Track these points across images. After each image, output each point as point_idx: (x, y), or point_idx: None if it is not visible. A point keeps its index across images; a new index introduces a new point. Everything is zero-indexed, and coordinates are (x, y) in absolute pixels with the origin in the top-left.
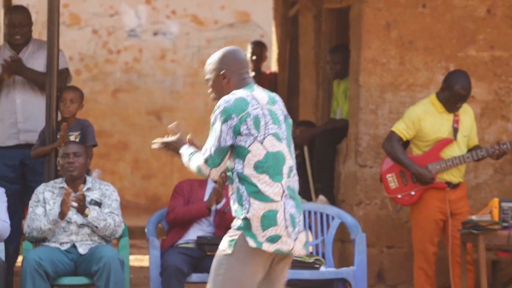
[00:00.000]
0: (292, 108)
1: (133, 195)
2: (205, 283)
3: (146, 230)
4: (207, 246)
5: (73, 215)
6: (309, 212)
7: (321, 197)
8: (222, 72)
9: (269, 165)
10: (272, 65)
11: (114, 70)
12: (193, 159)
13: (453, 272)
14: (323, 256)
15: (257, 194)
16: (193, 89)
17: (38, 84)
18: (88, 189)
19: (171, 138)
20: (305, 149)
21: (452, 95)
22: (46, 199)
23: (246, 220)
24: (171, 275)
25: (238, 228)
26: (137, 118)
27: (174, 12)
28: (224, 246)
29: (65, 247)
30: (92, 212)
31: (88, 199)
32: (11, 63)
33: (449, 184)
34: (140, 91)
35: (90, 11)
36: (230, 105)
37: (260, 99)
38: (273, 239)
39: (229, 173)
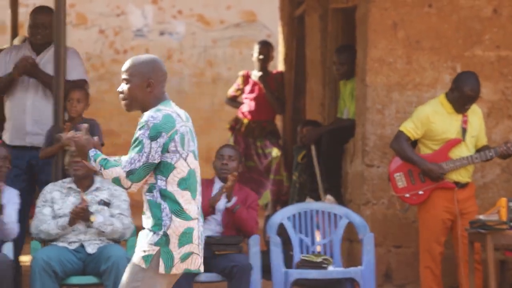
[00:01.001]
0: (298, 108)
1: (140, 195)
2: (214, 282)
3: None
4: (215, 245)
5: None
6: (317, 212)
7: (329, 196)
8: (149, 79)
9: (191, 182)
10: (278, 64)
11: (120, 69)
12: (110, 168)
13: (462, 272)
14: (331, 256)
15: (180, 212)
16: (200, 89)
17: (51, 88)
18: (97, 188)
19: (81, 136)
20: (313, 148)
21: (461, 96)
22: (54, 198)
23: (165, 236)
24: (181, 275)
25: (156, 244)
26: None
27: (181, 12)
28: (139, 259)
29: (73, 246)
30: (98, 218)
31: (97, 198)
32: (26, 63)
33: (457, 184)
34: None
35: (97, 11)
36: (159, 122)
37: (181, 116)
38: (186, 257)
39: (147, 187)
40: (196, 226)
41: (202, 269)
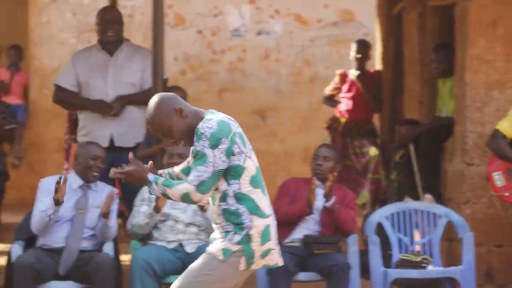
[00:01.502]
0: (396, 107)
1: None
2: (312, 281)
3: None
4: (314, 244)
5: (180, 214)
6: (416, 211)
7: (428, 195)
8: (175, 108)
9: (260, 179)
10: (376, 63)
11: (218, 70)
12: (175, 186)
13: None
14: (431, 255)
15: (257, 210)
16: (297, 88)
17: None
18: None
19: (131, 167)
20: (411, 147)
21: None
22: (151, 198)
23: (247, 236)
24: (278, 274)
25: (238, 243)
26: (242, 117)
27: (278, 12)
28: (218, 250)
29: (172, 245)
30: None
31: None
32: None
33: None
34: (244, 91)
35: (195, 11)
36: (216, 130)
37: (231, 118)
38: (266, 253)
39: (220, 196)
40: (271, 222)
41: (280, 262)
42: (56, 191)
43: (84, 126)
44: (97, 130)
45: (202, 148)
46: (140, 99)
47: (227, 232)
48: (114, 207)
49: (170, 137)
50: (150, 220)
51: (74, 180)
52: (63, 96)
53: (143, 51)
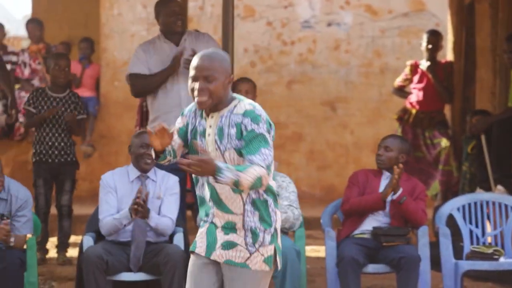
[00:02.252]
0: (468, 97)
1: (309, 186)
2: (381, 273)
3: (321, 221)
4: (383, 237)
5: None
6: (487, 202)
7: (499, 187)
8: (231, 75)
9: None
10: (447, 54)
11: (288, 61)
12: (248, 170)
13: None
14: (502, 247)
15: (277, 203)
16: (368, 79)
17: None
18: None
19: (204, 156)
20: (483, 138)
21: None
22: None
23: (275, 231)
24: (348, 266)
25: (271, 243)
26: (312, 109)
27: (348, 3)
28: (261, 264)
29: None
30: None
31: None
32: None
33: None
34: (314, 82)
35: (264, 3)
36: (266, 115)
37: None
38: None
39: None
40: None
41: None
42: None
43: (155, 118)
44: (168, 122)
45: (262, 131)
46: None
47: (254, 234)
48: (173, 196)
49: (206, 84)
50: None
51: (131, 172)
52: (142, 82)
53: (204, 37)
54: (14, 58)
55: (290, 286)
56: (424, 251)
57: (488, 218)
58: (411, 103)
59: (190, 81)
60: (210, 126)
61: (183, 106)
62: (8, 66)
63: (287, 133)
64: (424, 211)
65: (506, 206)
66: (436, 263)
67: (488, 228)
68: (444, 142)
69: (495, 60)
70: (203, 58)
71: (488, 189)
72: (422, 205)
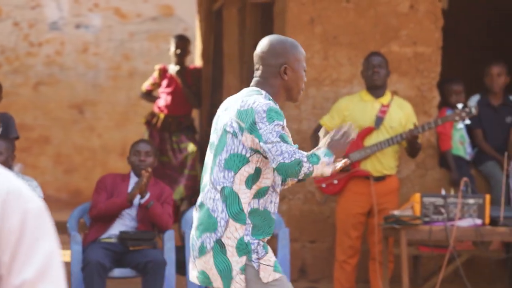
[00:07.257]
0: (215, 103)
1: (55, 189)
2: (127, 278)
3: (68, 225)
4: (130, 241)
5: None
6: None
7: None
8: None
9: None
10: (196, 59)
11: (35, 63)
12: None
13: (372, 267)
14: None
15: (267, 208)
16: (116, 82)
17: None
18: None
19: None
20: None
21: (368, 67)
22: None
23: (267, 236)
24: (93, 270)
25: (266, 251)
26: (59, 111)
27: (97, 5)
28: (262, 276)
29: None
30: None
31: None
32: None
33: (376, 177)
34: (62, 85)
35: (12, 3)
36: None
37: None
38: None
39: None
40: None
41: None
42: None
43: None
44: None
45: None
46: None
47: (246, 244)
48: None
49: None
50: None
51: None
52: None
53: None
54: None
55: None
56: (169, 255)
57: None
58: (159, 107)
59: None
60: None
61: None
62: None
63: (34, 136)
64: (170, 215)
65: None
66: (181, 267)
67: None
68: (191, 147)
69: (242, 67)
70: (294, 46)
71: None
72: (168, 209)
